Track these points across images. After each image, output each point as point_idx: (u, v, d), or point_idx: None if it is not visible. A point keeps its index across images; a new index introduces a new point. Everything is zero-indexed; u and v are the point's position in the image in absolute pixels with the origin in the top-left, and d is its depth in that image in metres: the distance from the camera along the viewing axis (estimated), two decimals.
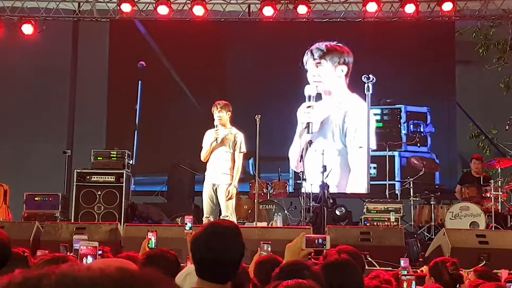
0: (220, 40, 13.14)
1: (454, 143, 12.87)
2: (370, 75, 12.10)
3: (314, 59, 12.66)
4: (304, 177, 10.31)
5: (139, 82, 12.86)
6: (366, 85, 12.08)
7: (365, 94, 12.25)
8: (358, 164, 12.23)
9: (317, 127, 11.75)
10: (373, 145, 12.30)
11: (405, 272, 5.20)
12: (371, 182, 12.05)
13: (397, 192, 11.30)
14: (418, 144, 12.42)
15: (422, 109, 12.74)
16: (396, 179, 12.16)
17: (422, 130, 12.62)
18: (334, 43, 12.73)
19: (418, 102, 12.80)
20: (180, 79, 13.03)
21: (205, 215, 8.94)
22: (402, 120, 12.68)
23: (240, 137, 8.92)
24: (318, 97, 12.07)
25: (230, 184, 8.78)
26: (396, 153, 12.31)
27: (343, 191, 12.17)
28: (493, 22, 13.24)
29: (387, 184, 11.34)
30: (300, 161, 10.70)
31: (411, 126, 12.62)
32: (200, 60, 12.97)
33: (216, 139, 8.81)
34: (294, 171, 12.18)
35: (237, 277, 2.97)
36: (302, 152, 10.89)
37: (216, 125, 8.83)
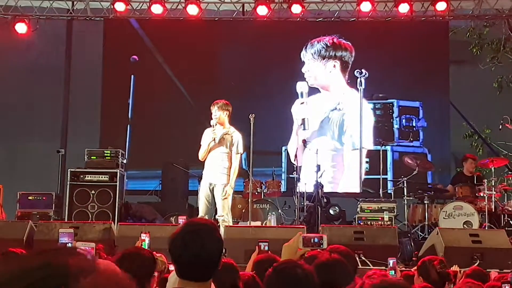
0: (214, 39, 13.12)
1: (447, 140, 12.91)
2: (363, 70, 12.08)
3: (306, 55, 12.68)
4: (298, 177, 10.30)
5: (132, 76, 12.81)
6: (358, 79, 12.07)
7: (358, 89, 12.28)
8: (351, 164, 12.23)
9: (313, 123, 11.74)
10: (370, 145, 12.30)
11: (393, 273, 5.21)
12: (364, 177, 12.07)
13: (390, 191, 11.31)
14: (411, 139, 12.45)
15: (414, 103, 12.77)
16: (389, 173, 12.18)
17: (414, 124, 12.64)
18: (328, 37, 12.71)
19: (410, 98, 12.82)
20: (174, 77, 13.01)
21: (200, 214, 8.91)
22: (395, 115, 12.70)
23: (237, 137, 8.90)
24: (312, 92, 12.11)
25: (227, 184, 8.77)
26: (388, 148, 12.32)
27: (337, 191, 12.17)
28: (486, 22, 13.28)
29: (381, 179, 11.32)
30: (295, 160, 10.71)
31: (403, 120, 12.64)
32: (195, 58, 12.95)
33: (214, 139, 8.80)
34: (287, 165, 12.18)
35: (225, 275, 2.96)
36: (297, 151, 10.90)
37: (213, 125, 8.81)
